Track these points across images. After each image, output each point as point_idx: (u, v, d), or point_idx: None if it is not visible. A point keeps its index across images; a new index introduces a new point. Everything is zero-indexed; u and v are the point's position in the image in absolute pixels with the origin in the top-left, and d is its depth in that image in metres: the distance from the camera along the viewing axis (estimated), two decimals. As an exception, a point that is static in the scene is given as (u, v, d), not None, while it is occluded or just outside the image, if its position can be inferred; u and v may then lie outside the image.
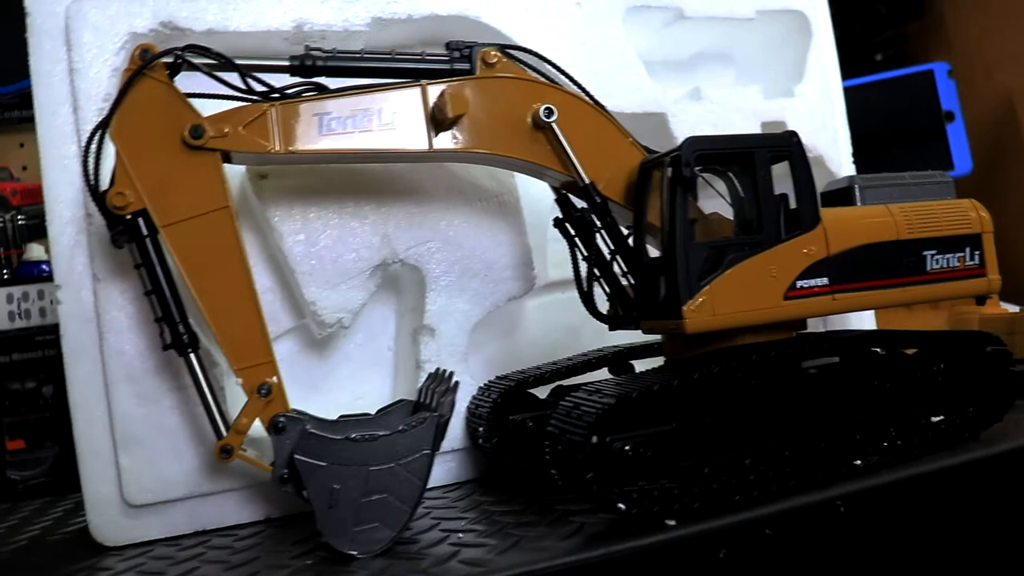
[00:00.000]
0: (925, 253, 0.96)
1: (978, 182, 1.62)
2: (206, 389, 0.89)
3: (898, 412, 0.94)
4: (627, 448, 0.80)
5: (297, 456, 0.84)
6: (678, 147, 0.88)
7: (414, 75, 0.94)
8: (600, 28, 1.18)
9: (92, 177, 0.87)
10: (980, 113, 1.72)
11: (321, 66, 0.93)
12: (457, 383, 0.91)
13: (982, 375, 0.97)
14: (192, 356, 0.89)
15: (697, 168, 0.87)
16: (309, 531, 0.90)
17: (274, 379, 0.88)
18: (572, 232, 1.02)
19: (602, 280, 0.99)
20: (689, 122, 1.21)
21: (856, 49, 1.92)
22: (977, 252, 0.98)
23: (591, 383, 0.89)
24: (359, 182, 1.07)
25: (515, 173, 1.14)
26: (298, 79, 0.92)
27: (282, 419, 0.87)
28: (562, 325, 1.32)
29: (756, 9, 1.25)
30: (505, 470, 1.06)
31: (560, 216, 1.03)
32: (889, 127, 1.75)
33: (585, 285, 0.99)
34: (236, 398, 0.94)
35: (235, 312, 0.88)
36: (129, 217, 0.86)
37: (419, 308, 1.11)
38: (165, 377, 0.99)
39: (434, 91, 0.93)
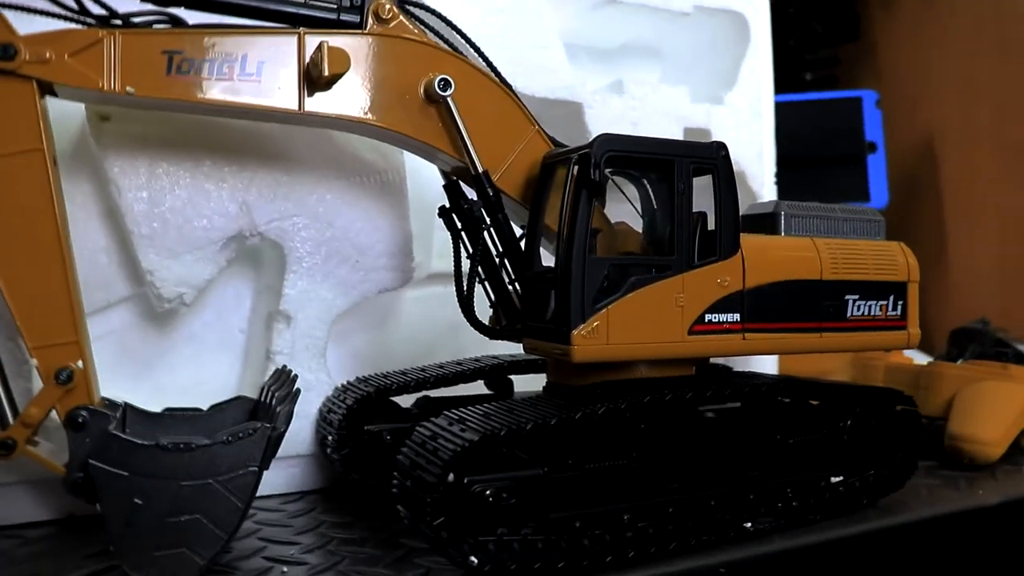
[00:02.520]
0: (847, 297, 0.87)
1: (890, 217, 1.57)
2: (-11, 368, 0.72)
3: (798, 469, 0.85)
4: (488, 493, 0.68)
5: (92, 461, 0.69)
6: (588, 144, 0.76)
7: (292, 20, 0.79)
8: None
9: None
10: (901, 147, 1.67)
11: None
12: (298, 391, 0.77)
13: (888, 436, 0.89)
14: (-23, 327, 0.72)
15: (608, 170, 0.76)
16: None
17: (78, 364, 0.72)
18: (458, 225, 0.89)
19: (486, 284, 0.87)
20: (607, 117, 1.09)
21: (787, 65, 1.85)
22: (900, 302, 0.89)
23: (458, 408, 0.76)
24: (221, 139, 0.91)
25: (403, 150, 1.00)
26: (148, 6, 0.76)
27: (83, 413, 0.71)
28: (441, 322, 1.19)
29: (694, 4, 1.14)
30: (354, 485, 0.93)
31: (447, 205, 0.90)
32: (810, 149, 1.67)
33: (466, 287, 0.86)
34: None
35: (35, 279, 0.71)
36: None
37: (277, 290, 0.96)
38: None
39: (312, 42, 0.78)
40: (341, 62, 0.77)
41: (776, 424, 0.84)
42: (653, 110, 1.11)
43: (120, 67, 0.73)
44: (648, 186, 0.83)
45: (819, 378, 0.95)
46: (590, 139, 0.77)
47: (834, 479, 0.86)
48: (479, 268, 0.87)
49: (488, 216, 0.83)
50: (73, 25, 0.73)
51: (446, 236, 1.07)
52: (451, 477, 0.67)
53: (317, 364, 0.95)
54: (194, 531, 0.70)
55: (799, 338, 0.85)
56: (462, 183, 0.88)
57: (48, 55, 0.71)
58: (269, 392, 0.82)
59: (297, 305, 0.95)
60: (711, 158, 0.80)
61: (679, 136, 1.13)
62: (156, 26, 0.76)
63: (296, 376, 0.79)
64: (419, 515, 0.68)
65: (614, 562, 0.72)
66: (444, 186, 0.90)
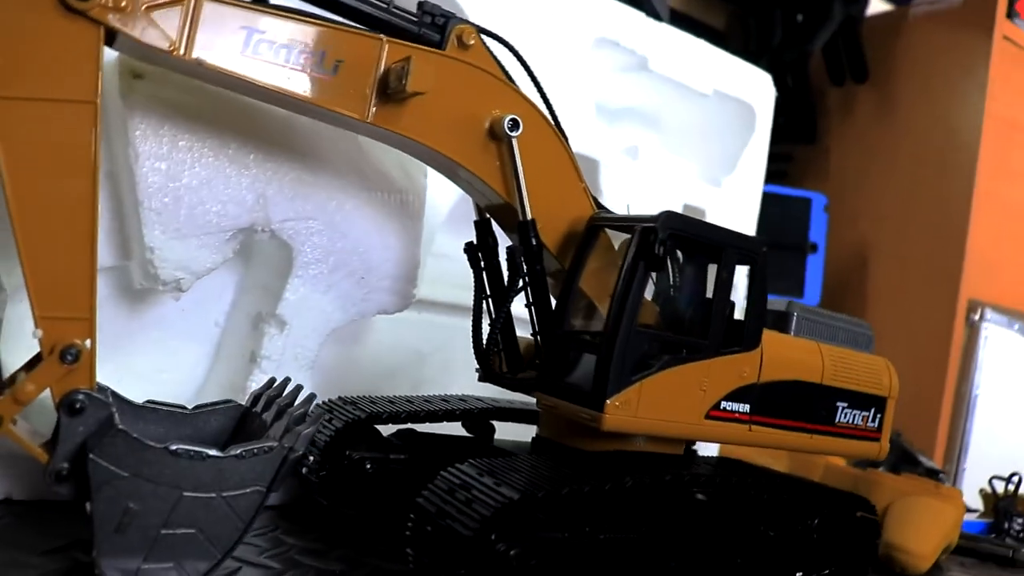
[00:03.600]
0: (838, 404, 0.90)
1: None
2: (-18, 330, 0.65)
3: (774, 560, 0.87)
4: (512, 553, 0.66)
5: (93, 456, 0.62)
6: (653, 218, 0.76)
7: (374, 24, 0.76)
8: (566, 50, 1.04)
9: None
10: (838, 252, 1.77)
11: (272, -32, 0.72)
12: (320, 413, 0.72)
13: (848, 538, 0.93)
14: (-23, 283, 0.64)
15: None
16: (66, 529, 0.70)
17: (86, 343, 0.65)
18: (481, 264, 0.88)
19: (498, 329, 0.85)
20: (620, 179, 1.10)
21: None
22: (879, 415, 0.94)
23: (476, 455, 0.74)
24: (252, 123, 0.86)
25: (428, 173, 0.97)
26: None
27: (81, 397, 0.65)
28: (410, 347, 1.17)
29: (714, 88, 1.17)
30: (323, 510, 0.88)
31: (475, 242, 0.88)
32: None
33: (489, 329, 0.84)
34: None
35: (60, 242, 0.64)
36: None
37: (273, 291, 0.91)
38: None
39: (393, 52, 0.75)
40: (425, 81, 0.74)
41: (759, 514, 0.86)
42: (661, 180, 1.13)
43: (196, 33, 0.68)
44: (686, 267, 0.84)
45: (793, 474, 0.98)
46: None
47: (798, 574, 0.89)
48: (495, 312, 0.86)
49: (526, 265, 0.82)
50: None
51: (437, 265, 1.05)
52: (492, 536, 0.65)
53: (303, 376, 0.90)
54: (188, 546, 0.65)
55: (794, 436, 0.87)
56: (494, 222, 0.87)
57: (125, 4, 0.65)
58: (273, 403, 0.77)
59: (294, 311, 0.89)
60: (754, 252, 0.82)
61: (679, 209, 1.16)
62: (239, -2, 0.71)
63: (314, 395, 0.74)
64: (439, 565, 0.65)
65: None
66: (476, 222, 0.88)
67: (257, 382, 0.89)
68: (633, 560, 0.75)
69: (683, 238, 0.78)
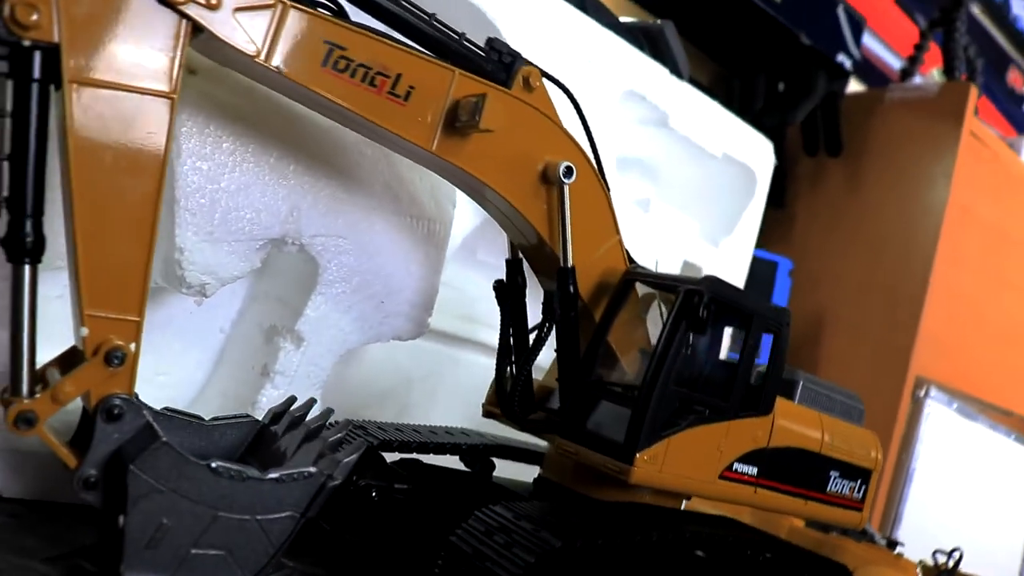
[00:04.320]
0: (831, 473, 0.93)
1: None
2: (25, 320, 0.61)
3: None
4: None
5: (134, 469, 0.59)
6: (696, 281, 0.78)
7: (443, 53, 0.76)
8: (596, 100, 1.06)
9: None
10: (796, 316, 1.82)
11: (358, -15, 0.71)
12: (364, 443, 0.71)
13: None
14: (27, 268, 0.61)
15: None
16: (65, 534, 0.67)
17: (132, 347, 0.63)
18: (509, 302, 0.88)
19: (515, 369, 0.86)
20: (629, 230, 1.11)
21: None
22: (864, 487, 0.97)
23: (504, 496, 0.74)
24: (296, 133, 0.84)
25: (456, 203, 0.97)
26: (318, -13, 0.70)
27: (120, 403, 0.62)
28: (400, 375, 1.16)
29: (724, 152, 1.20)
30: (324, 534, 0.86)
31: (504, 280, 0.88)
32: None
33: (514, 372, 0.84)
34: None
35: (120, 238, 0.62)
36: (27, 44, 0.58)
37: (292, 306, 0.89)
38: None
39: (462, 85, 0.75)
40: (497, 119, 0.74)
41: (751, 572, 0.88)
42: (668, 235, 1.15)
43: (278, 40, 0.66)
44: (711, 329, 0.86)
45: (785, 539, 1.01)
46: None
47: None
48: (517, 351, 0.86)
49: (560, 310, 0.82)
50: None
51: (444, 295, 1.04)
52: None
53: (313, 394, 0.87)
54: (216, 568, 0.63)
55: (790, 500, 0.90)
56: (525, 262, 0.87)
57: (215, 1, 0.63)
58: (290, 423, 0.75)
59: (313, 329, 0.88)
60: (779, 322, 0.85)
61: (677, 268, 1.18)
62: (321, 9, 0.70)
63: (350, 421, 0.73)
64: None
65: None
66: (507, 261, 0.89)
67: (268, 397, 0.86)
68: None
69: (722, 303, 0.80)
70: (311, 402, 0.78)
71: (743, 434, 0.83)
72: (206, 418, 0.75)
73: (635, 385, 0.79)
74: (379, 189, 0.90)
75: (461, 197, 0.99)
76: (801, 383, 0.93)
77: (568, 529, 0.68)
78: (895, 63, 2.48)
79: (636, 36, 1.16)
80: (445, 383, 1.19)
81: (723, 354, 0.93)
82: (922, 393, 1.71)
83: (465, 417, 1.03)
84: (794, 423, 0.89)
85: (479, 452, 0.93)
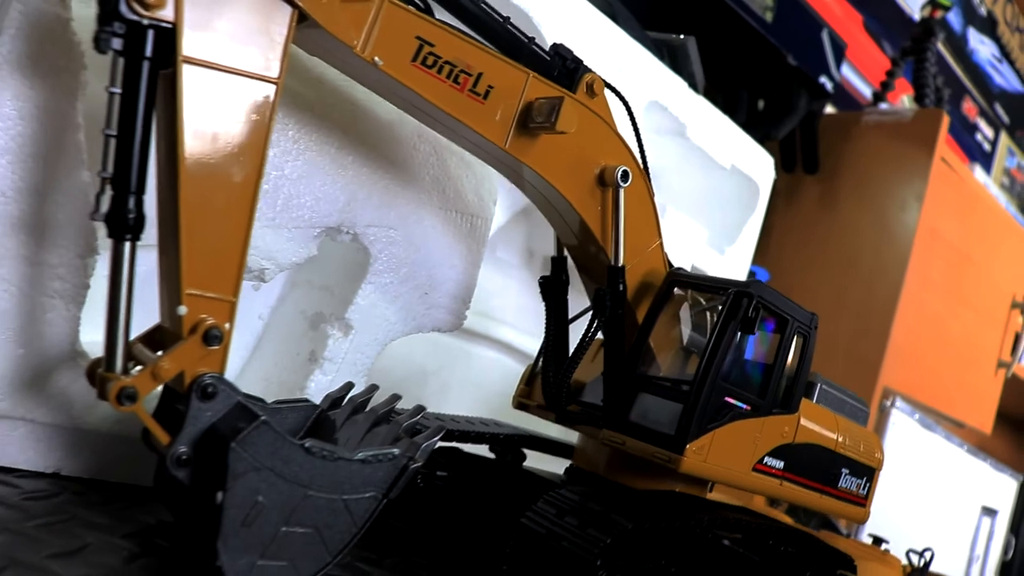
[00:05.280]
0: (843, 470, 0.99)
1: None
2: (123, 296, 0.61)
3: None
4: (613, 579, 0.70)
5: (235, 446, 0.60)
6: (744, 284, 0.83)
7: (517, 56, 0.79)
8: (621, 109, 1.10)
9: None
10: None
11: (442, -17, 0.74)
12: (441, 427, 0.73)
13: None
14: (128, 245, 0.61)
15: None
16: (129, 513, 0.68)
17: (227, 326, 0.64)
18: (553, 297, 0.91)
19: (555, 362, 0.89)
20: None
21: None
22: (868, 484, 1.03)
23: (572, 487, 0.77)
24: (356, 126, 0.86)
25: (497, 201, 1.00)
26: (405, -16, 0.72)
27: (213, 382, 0.63)
28: (416, 366, 1.18)
29: (732, 164, 1.26)
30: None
31: (549, 277, 0.92)
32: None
33: (565, 367, 0.87)
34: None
35: (222, 218, 0.63)
36: (146, 23, 0.59)
37: (340, 294, 0.90)
38: (19, 238, 0.68)
39: (534, 87, 0.78)
40: (571, 123, 0.77)
41: (776, 565, 0.93)
42: (679, 240, 1.20)
43: (377, 34, 0.68)
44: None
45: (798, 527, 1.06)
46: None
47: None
48: (558, 346, 0.89)
49: (609, 307, 0.86)
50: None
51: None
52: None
53: (357, 382, 0.89)
54: (304, 546, 0.64)
55: (808, 494, 0.95)
56: (570, 260, 0.91)
57: (323, -7, 0.65)
58: (353, 408, 0.77)
59: (362, 317, 0.89)
60: (808, 325, 0.90)
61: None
62: (411, 6, 0.72)
63: (423, 407, 0.75)
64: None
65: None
66: (553, 259, 0.92)
67: (318, 383, 0.87)
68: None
69: (765, 306, 0.84)
70: (373, 388, 0.80)
71: (774, 430, 0.88)
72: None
73: (683, 380, 0.83)
74: (428, 183, 0.92)
75: (501, 194, 1.02)
76: (819, 385, 0.99)
77: (637, 512, 0.72)
78: (865, 89, 2.59)
79: (660, 49, 1.21)
80: (457, 376, 1.22)
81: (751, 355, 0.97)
82: (889, 403, 1.80)
83: (475, 410, 1.05)
84: (815, 422, 0.94)
85: (513, 442, 0.96)
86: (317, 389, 0.87)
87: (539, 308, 0.95)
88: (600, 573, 0.68)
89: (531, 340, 1.25)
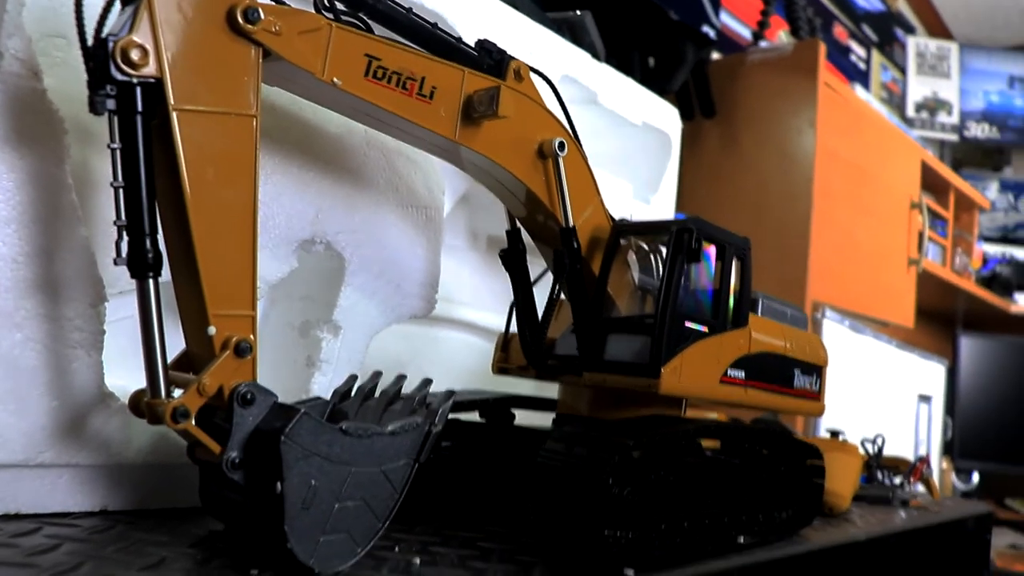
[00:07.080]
0: (795, 370, 1.11)
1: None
2: (155, 328, 0.68)
3: (763, 502, 1.05)
4: (625, 492, 0.80)
5: (286, 439, 0.68)
6: (682, 222, 0.93)
7: (450, 56, 0.87)
8: (545, 88, 1.19)
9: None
10: (697, 266, 2.02)
11: (372, 3, 0.82)
12: (450, 392, 0.81)
13: (806, 481, 1.14)
14: (151, 282, 0.68)
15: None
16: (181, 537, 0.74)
17: (252, 337, 0.71)
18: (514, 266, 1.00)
19: (528, 323, 0.98)
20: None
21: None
22: (819, 380, 1.16)
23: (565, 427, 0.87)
24: (310, 144, 0.93)
25: (445, 189, 1.08)
26: (341, 7, 0.80)
27: (250, 389, 0.70)
28: (392, 358, 1.25)
29: (643, 121, 1.37)
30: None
31: (508, 250, 1.01)
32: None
33: (540, 320, 0.97)
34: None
35: (230, 243, 0.70)
36: (135, 82, 0.65)
37: (323, 300, 0.97)
38: (36, 299, 0.74)
39: (472, 82, 0.87)
40: (509, 107, 0.86)
41: (754, 464, 1.05)
42: (608, 198, 1.30)
43: (330, 58, 0.76)
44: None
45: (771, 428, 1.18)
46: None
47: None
48: (528, 309, 0.99)
49: (568, 264, 0.95)
50: (293, 8, 0.75)
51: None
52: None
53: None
54: (356, 517, 0.72)
55: (770, 397, 1.06)
56: (523, 231, 1.00)
57: (277, 28, 0.72)
58: (363, 396, 0.85)
59: (347, 317, 0.97)
60: (745, 248, 1.01)
61: (623, 223, 1.33)
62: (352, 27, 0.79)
63: (431, 381, 0.83)
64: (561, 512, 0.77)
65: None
66: (507, 232, 1.01)
67: (319, 384, 0.95)
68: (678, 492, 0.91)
69: (706, 236, 0.95)
70: (378, 374, 0.88)
71: (731, 344, 0.99)
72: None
73: (645, 315, 0.93)
74: (383, 185, 1.00)
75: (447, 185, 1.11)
76: (761, 300, 1.10)
77: (633, 433, 0.82)
78: (744, 32, 2.75)
79: (561, 27, 1.30)
80: (430, 360, 1.30)
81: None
82: (819, 315, 1.95)
83: (452, 386, 1.14)
84: (764, 333, 1.05)
85: (502, 404, 1.06)
86: (320, 390, 0.94)
87: (492, 286, 1.04)
88: (613, 489, 0.78)
89: (491, 316, 1.33)
